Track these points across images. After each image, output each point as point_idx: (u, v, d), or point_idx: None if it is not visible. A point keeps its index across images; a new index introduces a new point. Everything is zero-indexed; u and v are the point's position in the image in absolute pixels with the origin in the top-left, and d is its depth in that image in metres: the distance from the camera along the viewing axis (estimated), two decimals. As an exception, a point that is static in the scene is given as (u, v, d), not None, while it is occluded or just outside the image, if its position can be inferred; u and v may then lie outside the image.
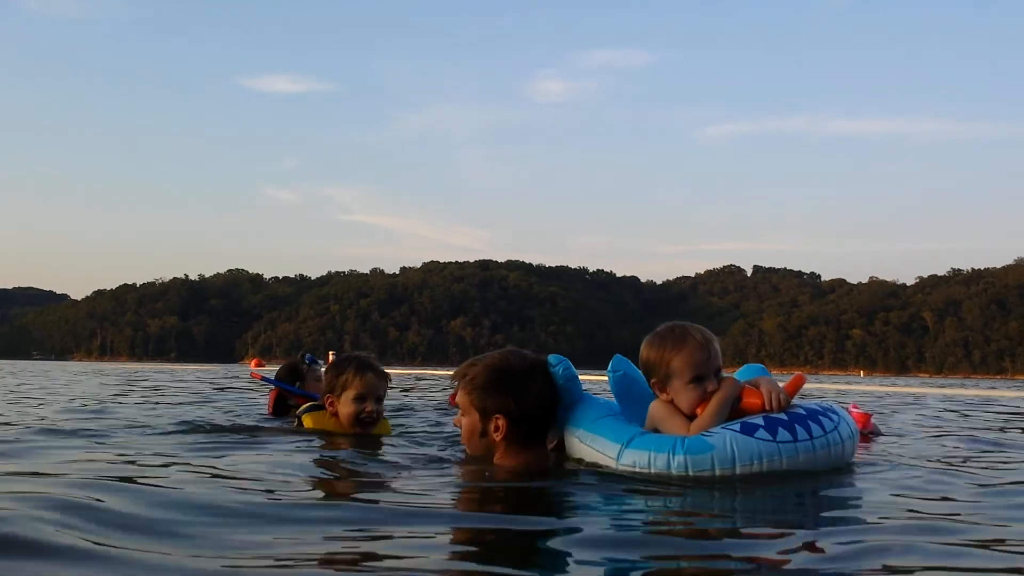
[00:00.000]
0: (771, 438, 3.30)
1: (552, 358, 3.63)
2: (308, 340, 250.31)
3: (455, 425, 3.87)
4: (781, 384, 3.11)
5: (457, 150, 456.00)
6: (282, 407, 6.10)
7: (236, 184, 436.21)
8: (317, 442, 4.35)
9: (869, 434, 6.03)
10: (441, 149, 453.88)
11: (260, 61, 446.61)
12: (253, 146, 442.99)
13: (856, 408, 6.21)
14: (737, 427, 3.34)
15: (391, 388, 5.11)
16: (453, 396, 6.86)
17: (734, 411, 3.48)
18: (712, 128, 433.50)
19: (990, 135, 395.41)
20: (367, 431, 4.60)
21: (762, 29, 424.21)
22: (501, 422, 3.60)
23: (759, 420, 3.37)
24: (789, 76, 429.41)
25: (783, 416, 3.40)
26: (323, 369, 6.96)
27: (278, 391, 6.11)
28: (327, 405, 4.59)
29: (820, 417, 3.45)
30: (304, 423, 4.69)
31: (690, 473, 3.26)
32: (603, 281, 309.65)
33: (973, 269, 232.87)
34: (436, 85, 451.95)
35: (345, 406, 4.51)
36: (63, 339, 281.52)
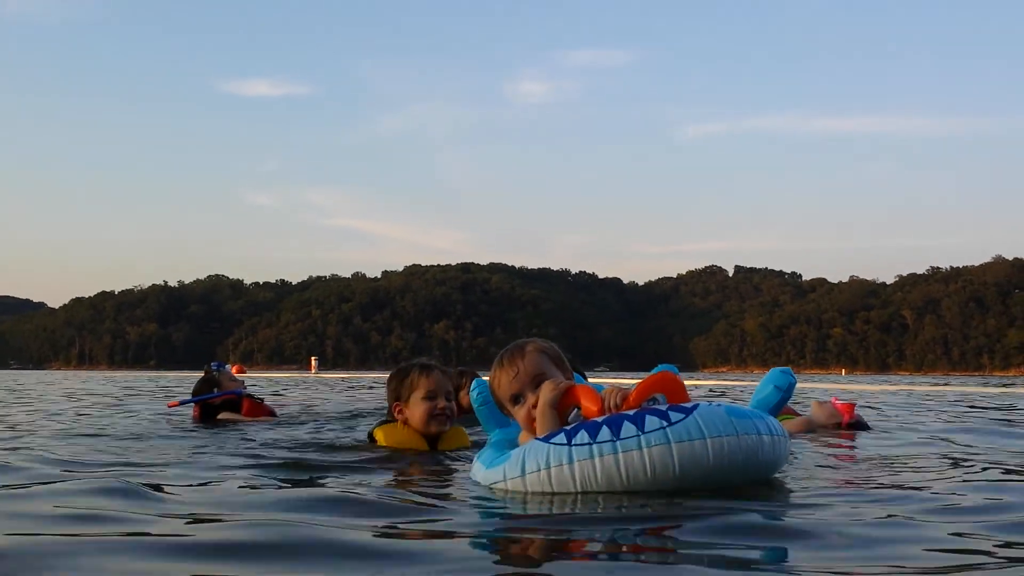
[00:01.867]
0: (565, 441, 2.86)
1: (475, 383, 3.66)
2: (290, 345, 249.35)
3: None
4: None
5: (438, 152, 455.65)
6: (209, 413, 6.51)
7: (215, 189, 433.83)
8: (398, 462, 4.13)
9: (855, 425, 5.87)
10: (422, 151, 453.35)
11: (239, 64, 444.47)
12: (232, 150, 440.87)
13: (837, 400, 6.08)
14: (546, 435, 2.98)
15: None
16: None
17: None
18: (693, 128, 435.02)
19: (968, 133, 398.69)
20: (443, 429, 4.51)
21: (743, 28, 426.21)
22: None
23: (572, 426, 2.96)
24: (769, 75, 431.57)
25: (598, 419, 2.92)
26: (229, 368, 7.01)
27: (200, 404, 6.48)
28: (395, 414, 4.50)
29: (649, 416, 2.83)
30: (376, 438, 4.53)
31: (491, 486, 3.05)
32: (585, 282, 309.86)
33: (952, 267, 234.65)
34: (416, 86, 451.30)
35: (416, 407, 4.44)
36: (41, 348, 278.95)
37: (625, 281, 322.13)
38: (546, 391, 3.12)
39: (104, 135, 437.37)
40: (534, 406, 3.15)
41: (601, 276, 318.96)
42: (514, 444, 3.26)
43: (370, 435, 4.61)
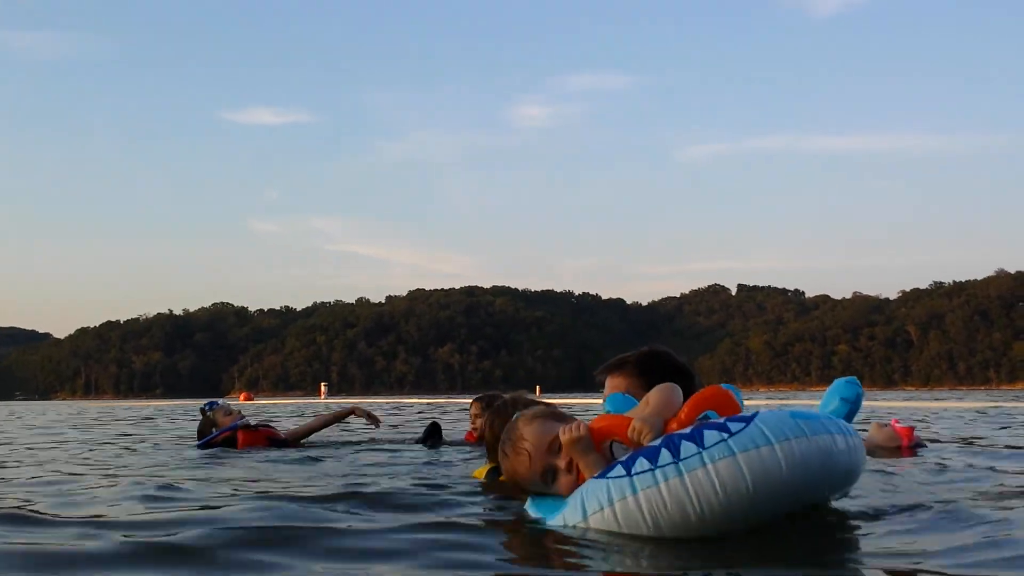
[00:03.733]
0: (625, 472, 2.65)
1: (608, 401, 3.38)
2: (295, 372, 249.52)
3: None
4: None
5: (440, 177, 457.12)
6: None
7: (219, 217, 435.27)
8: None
9: (915, 447, 5.89)
10: (424, 176, 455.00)
11: (242, 94, 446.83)
12: (236, 179, 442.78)
13: (898, 423, 6.08)
14: (602, 471, 2.78)
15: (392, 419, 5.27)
16: (471, 434, 7.03)
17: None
18: (694, 148, 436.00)
19: (968, 148, 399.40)
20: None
21: (742, 49, 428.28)
22: None
23: (627, 455, 2.75)
24: (768, 95, 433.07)
25: (655, 443, 2.71)
26: (224, 404, 7.20)
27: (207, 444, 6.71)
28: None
29: (707, 431, 2.63)
30: (478, 476, 4.45)
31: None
32: (589, 304, 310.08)
33: (955, 282, 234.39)
34: (418, 113, 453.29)
35: None
36: (47, 378, 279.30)
37: (628, 302, 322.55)
38: (566, 434, 2.92)
39: (107, 166, 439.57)
40: (568, 468, 2.94)
41: (604, 297, 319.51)
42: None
43: (492, 472, 4.36)
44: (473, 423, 7.14)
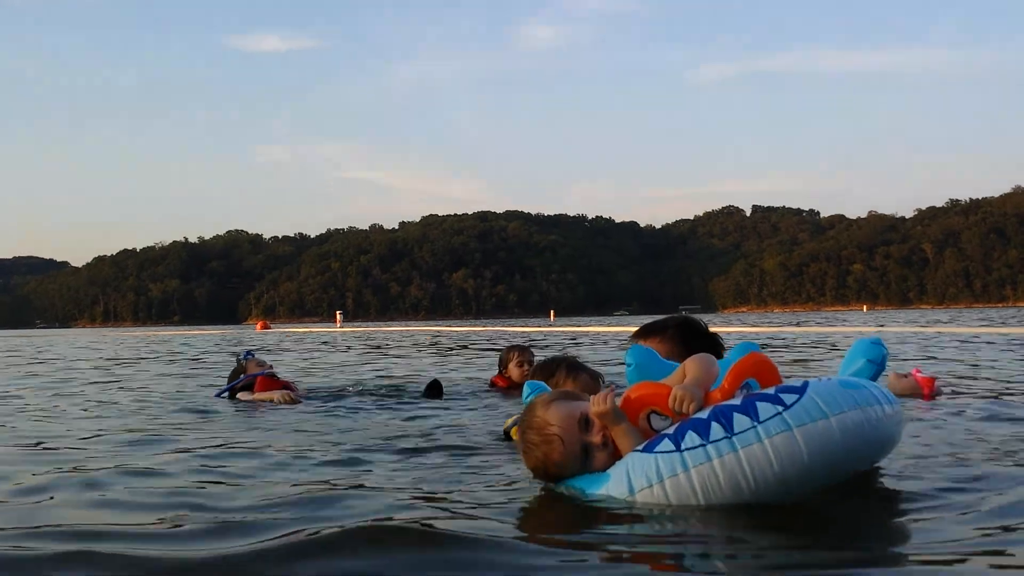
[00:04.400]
0: (674, 447, 2.56)
1: (527, 386, 3.26)
2: (311, 298, 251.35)
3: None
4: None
5: (450, 101, 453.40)
6: (234, 397, 7.14)
7: (230, 145, 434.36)
8: None
9: (935, 397, 5.81)
10: (434, 101, 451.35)
11: (247, 19, 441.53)
12: (244, 106, 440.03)
13: (919, 372, 6.00)
14: (646, 444, 2.67)
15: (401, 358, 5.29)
16: (500, 378, 7.09)
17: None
18: (706, 68, 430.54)
19: (985, 64, 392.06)
20: None
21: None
22: None
23: (674, 427, 2.65)
24: (782, 12, 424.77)
25: (702, 415, 2.60)
26: (259, 357, 7.47)
27: (231, 391, 7.14)
28: None
29: (760, 403, 2.54)
30: (515, 437, 4.38)
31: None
32: (602, 227, 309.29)
33: (971, 199, 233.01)
34: (426, 36, 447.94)
35: None
36: (66, 307, 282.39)
37: (642, 224, 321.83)
38: (597, 406, 2.77)
39: (119, 96, 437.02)
40: (604, 443, 2.78)
41: (618, 220, 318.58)
42: None
43: (507, 432, 4.30)
44: (506, 369, 7.15)
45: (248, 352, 7.63)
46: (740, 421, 2.48)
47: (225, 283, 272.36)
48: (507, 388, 7.02)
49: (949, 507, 2.51)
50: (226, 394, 7.09)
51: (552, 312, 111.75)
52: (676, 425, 2.62)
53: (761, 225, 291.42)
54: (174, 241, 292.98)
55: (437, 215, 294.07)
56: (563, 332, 30.13)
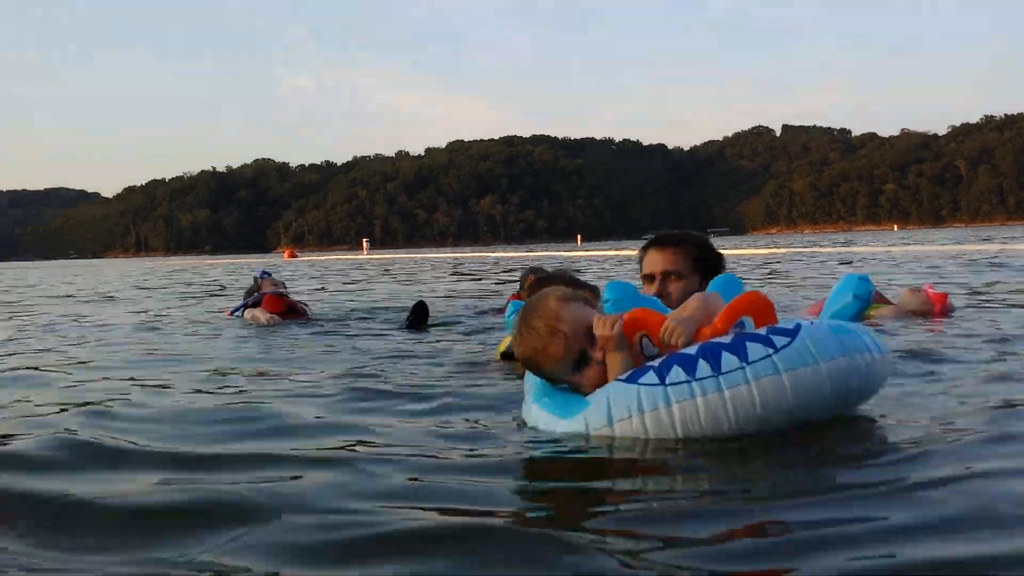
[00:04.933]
0: (658, 380, 2.51)
1: (511, 306, 2.99)
2: (339, 226, 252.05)
3: (659, 296, 3.49)
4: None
5: (475, 25, 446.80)
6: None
7: (253, 72, 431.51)
8: None
9: (947, 313, 5.83)
10: (458, 25, 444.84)
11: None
12: (267, 32, 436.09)
13: (931, 289, 5.99)
14: (629, 374, 2.61)
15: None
16: (516, 295, 7.06)
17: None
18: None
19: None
20: None
21: None
22: None
23: (660, 360, 2.59)
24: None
25: (690, 350, 2.55)
26: (273, 276, 7.66)
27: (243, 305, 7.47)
28: None
29: (750, 343, 2.50)
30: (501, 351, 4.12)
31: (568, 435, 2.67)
32: (630, 151, 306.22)
33: (1006, 115, 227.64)
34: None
35: None
36: (98, 237, 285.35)
37: (670, 147, 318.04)
38: (603, 329, 2.69)
39: (143, 24, 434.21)
40: (602, 359, 2.70)
41: (645, 143, 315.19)
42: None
43: (503, 355, 4.16)
44: (523, 290, 6.95)
45: (264, 272, 7.87)
46: (728, 360, 2.46)
47: (253, 212, 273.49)
48: None
49: (929, 442, 2.45)
50: (239, 311, 7.31)
51: (579, 237, 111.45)
52: (663, 358, 2.58)
53: (791, 145, 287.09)
54: (202, 171, 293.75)
55: (463, 140, 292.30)
56: (589, 256, 30.20)
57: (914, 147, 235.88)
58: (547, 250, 46.61)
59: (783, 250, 26.13)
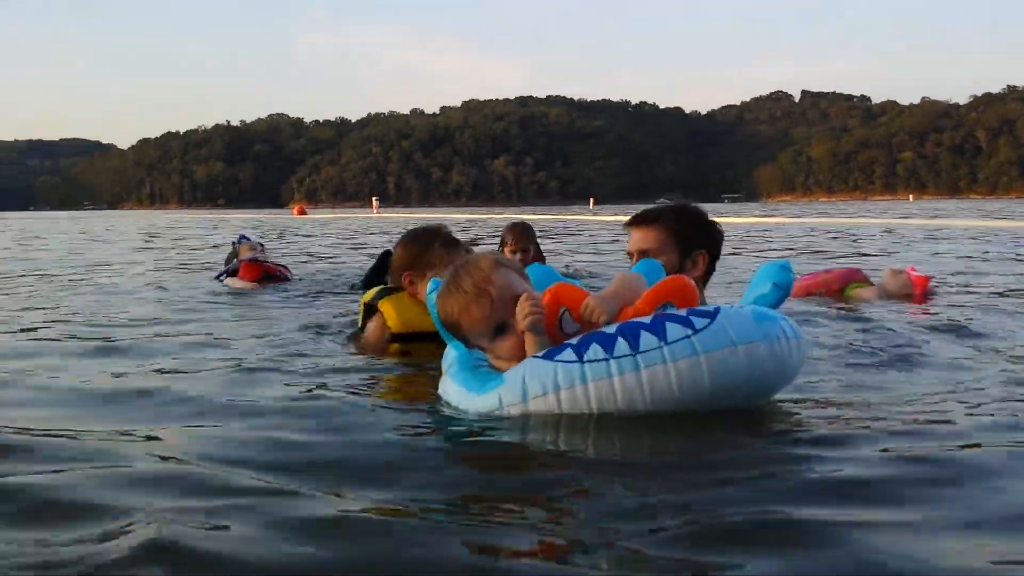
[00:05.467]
0: (575, 358, 2.48)
1: (431, 283, 2.97)
2: (352, 183, 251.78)
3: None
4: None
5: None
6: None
7: (268, 26, 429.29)
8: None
9: (927, 296, 5.84)
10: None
11: None
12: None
13: (914, 271, 6.00)
14: (547, 351, 2.57)
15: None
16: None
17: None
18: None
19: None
20: None
21: None
22: (703, 259, 3.58)
23: (579, 338, 2.56)
24: None
25: (609, 329, 2.52)
26: (252, 240, 7.69)
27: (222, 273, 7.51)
28: (406, 284, 3.99)
29: (669, 324, 2.47)
30: (383, 310, 4.00)
31: (481, 413, 2.63)
32: (647, 113, 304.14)
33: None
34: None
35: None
36: (113, 189, 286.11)
37: (687, 110, 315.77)
38: (529, 318, 2.60)
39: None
40: (519, 332, 2.65)
41: (663, 106, 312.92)
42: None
43: (371, 306, 4.07)
44: (502, 250, 6.63)
45: (242, 237, 8.05)
46: (647, 340, 2.43)
47: (268, 167, 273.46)
48: None
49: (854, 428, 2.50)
50: (223, 277, 7.38)
51: (592, 199, 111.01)
52: (581, 336, 2.55)
53: (810, 111, 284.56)
54: (217, 124, 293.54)
55: (478, 100, 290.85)
56: (600, 221, 30.05)
57: (934, 116, 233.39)
58: (560, 213, 46.45)
59: (774, 220, 25.99)
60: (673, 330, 2.44)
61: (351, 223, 30.54)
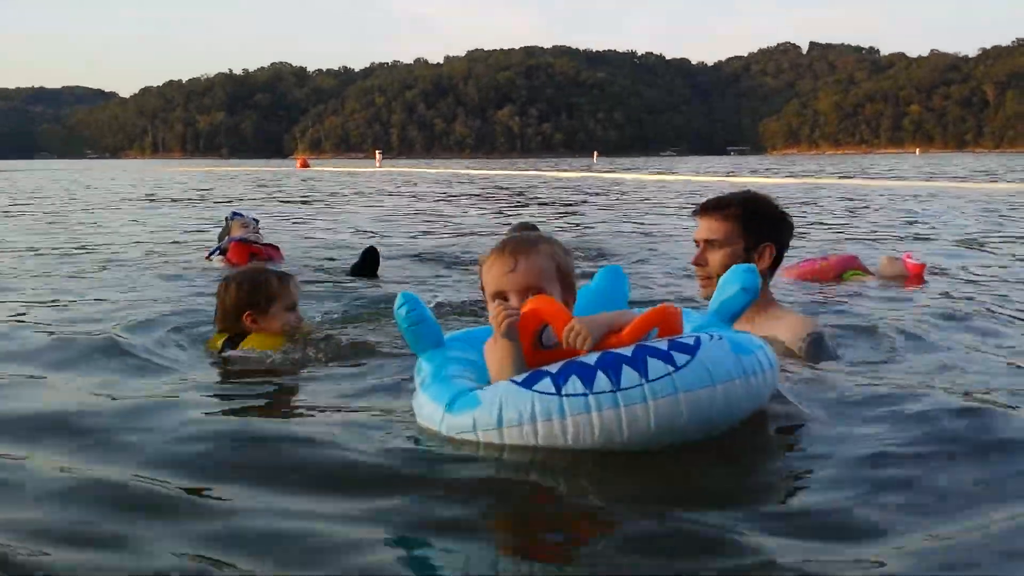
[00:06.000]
0: (554, 390, 2.43)
1: (400, 297, 2.81)
2: (356, 133, 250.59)
3: (695, 265, 3.46)
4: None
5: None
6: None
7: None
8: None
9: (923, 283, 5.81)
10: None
11: None
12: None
13: (910, 258, 5.99)
14: (525, 377, 2.50)
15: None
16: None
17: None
18: None
19: None
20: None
21: None
22: (769, 251, 3.52)
23: (558, 365, 2.49)
24: None
25: (590, 359, 2.47)
26: (245, 217, 7.53)
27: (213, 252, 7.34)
28: (248, 324, 3.88)
29: (651, 359, 2.45)
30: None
31: (456, 437, 2.55)
32: (652, 64, 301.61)
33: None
34: None
35: (279, 319, 3.91)
36: (115, 137, 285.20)
37: (693, 62, 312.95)
38: (505, 322, 2.57)
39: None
40: (511, 312, 2.59)
41: (668, 57, 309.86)
42: (467, 364, 2.77)
43: (228, 344, 3.88)
44: None
45: (234, 213, 7.78)
46: (628, 376, 2.41)
47: (271, 116, 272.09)
48: None
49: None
50: (214, 256, 7.23)
51: (595, 153, 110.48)
52: (561, 364, 2.48)
53: (818, 63, 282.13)
54: (219, 73, 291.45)
55: (483, 50, 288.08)
56: (602, 179, 29.98)
57: (942, 68, 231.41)
58: (562, 169, 46.30)
59: (770, 181, 26.01)
60: (654, 367, 2.43)
61: (355, 182, 30.23)
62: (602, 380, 2.40)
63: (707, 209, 3.63)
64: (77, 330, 4.13)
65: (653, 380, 2.40)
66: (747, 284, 2.63)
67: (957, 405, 2.70)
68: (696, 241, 3.63)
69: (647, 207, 15.26)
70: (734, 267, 2.68)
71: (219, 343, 3.85)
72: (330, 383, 3.27)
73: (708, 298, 3.19)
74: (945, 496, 2.04)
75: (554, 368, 2.48)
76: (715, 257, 3.53)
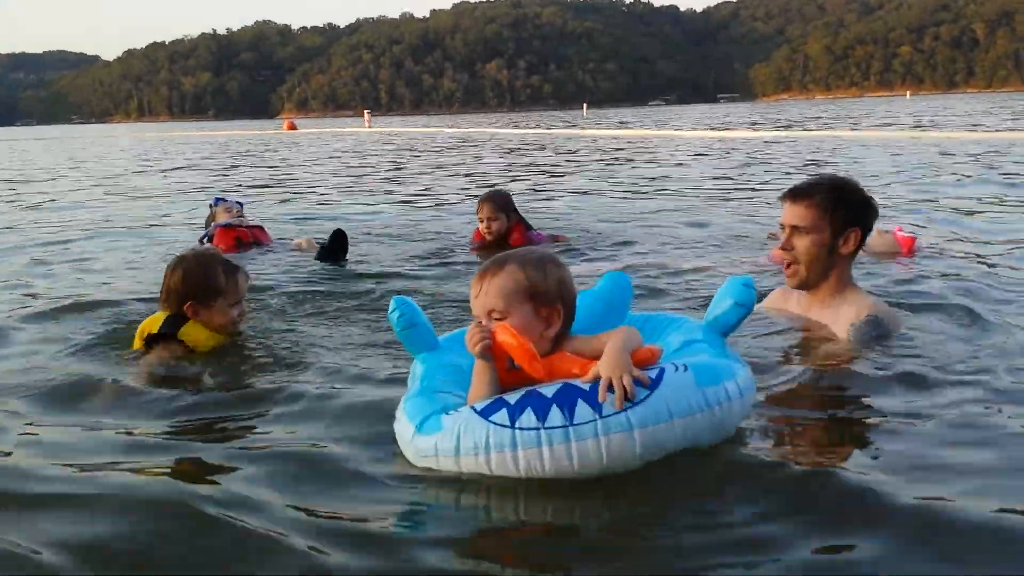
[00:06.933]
0: (508, 423, 2.46)
1: (393, 301, 2.82)
2: (343, 91, 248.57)
3: (773, 260, 3.48)
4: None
5: None
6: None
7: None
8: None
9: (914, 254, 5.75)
10: None
11: None
12: None
13: (901, 231, 5.89)
14: (485, 405, 2.52)
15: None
16: (478, 234, 6.51)
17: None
18: None
19: None
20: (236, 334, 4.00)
21: None
22: (855, 236, 3.57)
23: (518, 395, 2.50)
24: None
25: (547, 391, 2.48)
26: (230, 201, 7.51)
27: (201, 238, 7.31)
28: (188, 312, 3.76)
29: (609, 393, 2.43)
30: (186, 338, 3.77)
31: (418, 461, 2.58)
32: (641, 12, 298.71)
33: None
34: None
35: (221, 315, 3.80)
36: (101, 102, 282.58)
37: (682, 8, 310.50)
38: (480, 345, 2.60)
39: None
40: (485, 337, 2.60)
41: (657, 4, 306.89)
42: (450, 372, 2.79)
43: (164, 335, 3.75)
44: (487, 227, 6.32)
45: (219, 198, 7.71)
46: (582, 412, 2.41)
47: (256, 76, 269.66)
48: (483, 247, 6.31)
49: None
50: (203, 241, 7.09)
51: (585, 105, 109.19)
52: (520, 395, 2.50)
53: (807, 7, 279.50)
54: (202, 33, 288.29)
55: (468, 2, 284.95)
56: (590, 136, 29.58)
57: (932, 8, 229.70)
58: (548, 126, 46.03)
59: (754, 134, 25.90)
60: (610, 400, 2.42)
61: (344, 145, 30.01)
62: (555, 415, 2.42)
63: (795, 195, 3.66)
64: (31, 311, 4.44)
65: (607, 416, 2.40)
66: (741, 299, 2.59)
67: (1002, 390, 2.82)
68: (782, 225, 3.69)
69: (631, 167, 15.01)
70: (731, 280, 2.66)
71: (157, 325, 3.70)
72: (248, 403, 3.08)
73: (795, 287, 3.59)
74: (968, 482, 2.09)
75: (512, 399, 2.50)
76: (802, 243, 3.60)
